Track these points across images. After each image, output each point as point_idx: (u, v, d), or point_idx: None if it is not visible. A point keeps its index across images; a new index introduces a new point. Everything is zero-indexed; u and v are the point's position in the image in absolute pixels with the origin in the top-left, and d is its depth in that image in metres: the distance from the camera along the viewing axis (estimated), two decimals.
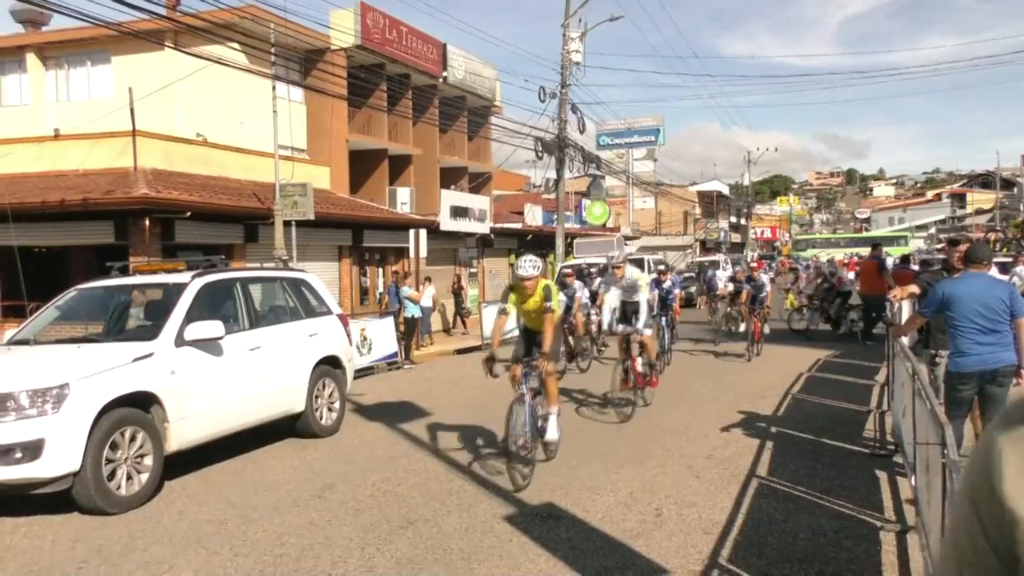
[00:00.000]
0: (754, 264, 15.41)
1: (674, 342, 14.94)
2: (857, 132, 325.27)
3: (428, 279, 20.96)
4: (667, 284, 14.76)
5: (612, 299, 9.86)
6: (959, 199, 74.24)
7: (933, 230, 64.93)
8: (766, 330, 14.83)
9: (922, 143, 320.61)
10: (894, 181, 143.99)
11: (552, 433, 7.07)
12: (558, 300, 7.25)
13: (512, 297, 7.21)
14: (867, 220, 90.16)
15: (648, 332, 9.71)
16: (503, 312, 7.20)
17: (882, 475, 6.55)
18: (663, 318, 13.45)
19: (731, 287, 18.66)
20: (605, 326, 10.28)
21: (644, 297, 9.73)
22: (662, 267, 15.63)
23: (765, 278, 14.96)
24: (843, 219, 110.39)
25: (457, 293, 24.05)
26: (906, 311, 12.36)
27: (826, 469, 6.77)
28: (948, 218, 68.79)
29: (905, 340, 7.16)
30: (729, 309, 18.06)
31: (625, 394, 9.53)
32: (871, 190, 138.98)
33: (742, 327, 16.41)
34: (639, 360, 9.62)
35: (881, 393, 10.03)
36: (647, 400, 9.72)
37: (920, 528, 4.69)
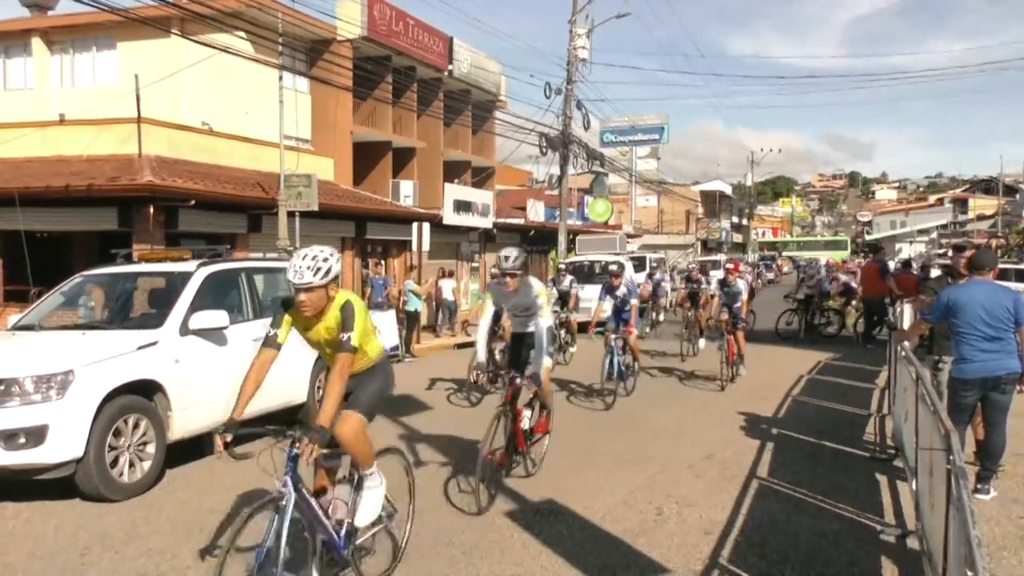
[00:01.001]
0: (729, 266, 12.22)
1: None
2: (861, 134, 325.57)
3: (450, 272, 21.08)
4: (657, 277, 14.17)
5: (486, 323, 6.61)
6: (961, 204, 74.19)
7: (935, 235, 64.91)
8: (743, 348, 11.92)
9: (926, 147, 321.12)
10: (897, 185, 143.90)
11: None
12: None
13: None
14: (869, 223, 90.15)
15: (545, 367, 6.33)
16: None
17: (882, 479, 6.57)
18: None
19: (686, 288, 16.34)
20: (481, 357, 6.63)
21: (545, 324, 6.39)
22: (614, 267, 12.22)
23: (742, 284, 11.88)
24: (845, 222, 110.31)
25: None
26: (908, 315, 12.37)
27: (827, 471, 6.79)
28: (950, 223, 68.73)
29: (908, 344, 7.17)
30: (689, 314, 15.44)
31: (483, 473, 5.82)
32: (873, 193, 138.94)
33: (701, 343, 14.86)
34: (525, 416, 6.46)
35: (882, 397, 10.05)
36: (536, 463, 6.70)
37: (920, 532, 4.71)
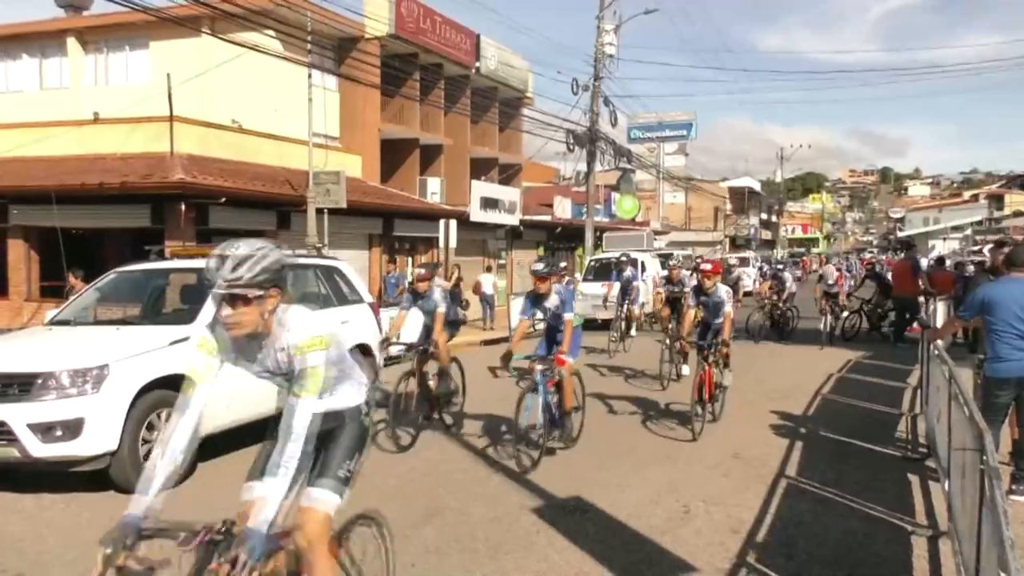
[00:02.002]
0: (706, 266, 8.94)
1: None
2: (893, 130, 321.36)
3: (489, 267, 21.12)
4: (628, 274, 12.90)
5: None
6: (997, 200, 72.75)
7: (969, 231, 63.77)
8: (726, 380, 8.71)
9: (960, 142, 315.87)
10: (930, 181, 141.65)
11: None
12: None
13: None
14: (901, 220, 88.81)
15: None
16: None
17: (914, 479, 6.48)
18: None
19: (673, 293, 13.31)
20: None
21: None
22: (539, 266, 7.57)
23: (724, 292, 8.60)
24: (876, 218, 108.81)
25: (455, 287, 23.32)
26: (941, 313, 12.20)
27: (856, 471, 6.71)
28: (985, 219, 67.45)
29: (941, 343, 7.06)
30: (670, 326, 12.30)
31: None
32: (906, 189, 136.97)
33: (684, 370, 11.48)
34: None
35: (913, 396, 9.91)
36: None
37: (953, 533, 4.65)
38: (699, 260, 12.05)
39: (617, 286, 16.17)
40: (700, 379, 8.15)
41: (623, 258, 16.16)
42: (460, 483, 6.44)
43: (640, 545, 5.06)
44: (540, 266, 7.22)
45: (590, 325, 13.83)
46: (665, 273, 15.40)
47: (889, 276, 17.21)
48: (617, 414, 9.34)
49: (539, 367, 6.99)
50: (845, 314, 16.62)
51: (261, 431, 6.18)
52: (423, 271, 8.41)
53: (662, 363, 11.37)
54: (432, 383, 8.32)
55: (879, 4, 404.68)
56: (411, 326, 8.60)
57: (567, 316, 7.15)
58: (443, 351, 8.26)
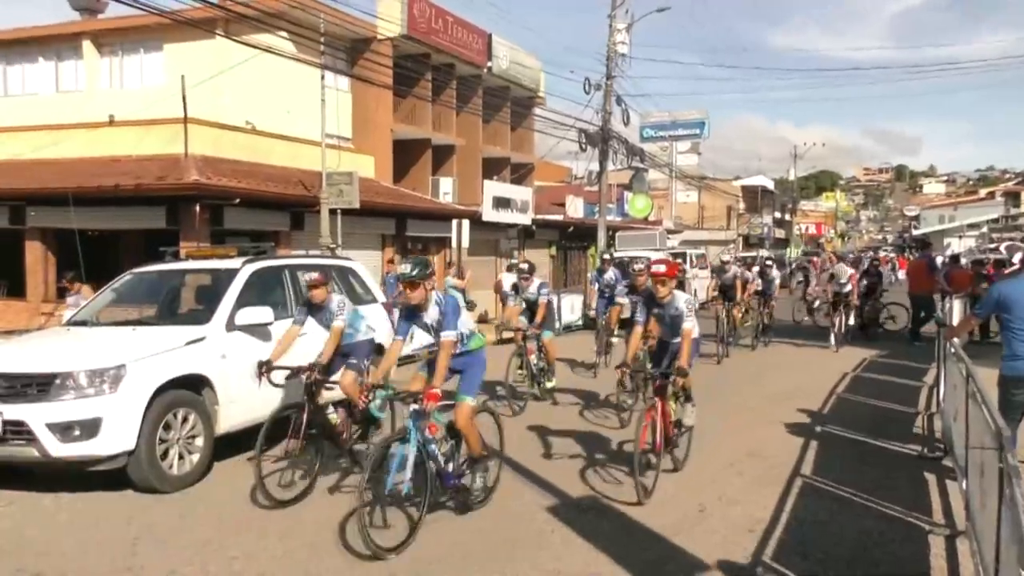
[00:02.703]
0: (658, 268, 6.61)
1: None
2: (908, 128, 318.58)
3: (511, 266, 21.06)
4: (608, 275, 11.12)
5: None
6: (1014, 198, 72.14)
7: (985, 229, 63.21)
8: (688, 417, 6.69)
9: (976, 139, 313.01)
10: (945, 178, 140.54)
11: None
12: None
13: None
14: (916, 218, 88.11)
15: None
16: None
17: (931, 477, 6.44)
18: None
19: (626, 304, 11.28)
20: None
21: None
22: (406, 268, 5.68)
23: (683, 302, 6.51)
24: (891, 216, 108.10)
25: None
26: (957, 311, 12.11)
27: (872, 470, 6.68)
28: (1001, 217, 66.85)
29: (957, 341, 7.01)
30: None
31: None
32: (921, 187, 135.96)
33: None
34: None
35: (930, 394, 9.84)
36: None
37: (970, 533, 4.61)
38: (647, 261, 9.00)
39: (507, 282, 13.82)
40: (651, 419, 6.10)
41: (605, 256, 13.70)
42: (566, 429, 6.46)
43: (655, 544, 5.06)
44: (406, 267, 5.41)
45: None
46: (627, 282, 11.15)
47: (884, 273, 16.94)
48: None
49: (412, 406, 5.16)
50: (852, 320, 16.08)
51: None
52: (315, 275, 6.63)
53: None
54: (335, 416, 6.55)
55: (893, 1, 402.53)
56: (309, 345, 6.81)
57: (445, 336, 5.37)
58: (348, 385, 6.43)
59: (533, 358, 9.82)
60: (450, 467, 5.50)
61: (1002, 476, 3.30)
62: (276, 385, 6.39)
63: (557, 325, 9.37)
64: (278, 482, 6.11)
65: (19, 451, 5.99)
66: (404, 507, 5.27)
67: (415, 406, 5.14)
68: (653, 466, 6.17)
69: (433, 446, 5.32)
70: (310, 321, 6.72)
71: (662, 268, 6.55)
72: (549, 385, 9.99)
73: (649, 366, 7.65)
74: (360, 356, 6.72)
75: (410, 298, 5.45)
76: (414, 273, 5.34)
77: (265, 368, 6.29)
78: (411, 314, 5.60)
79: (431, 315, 5.52)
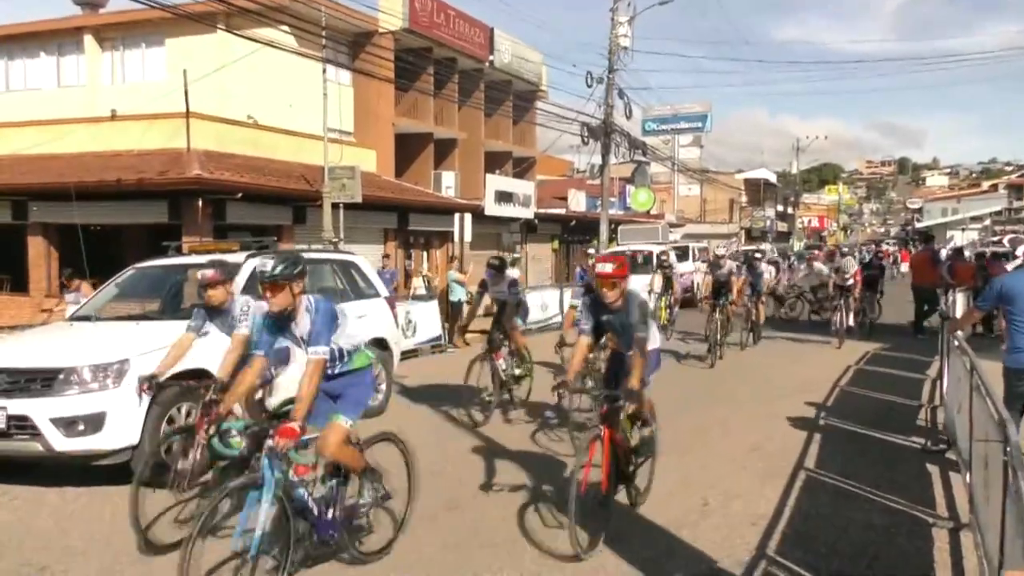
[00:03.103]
0: (603, 268, 5.28)
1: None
2: (911, 120, 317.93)
3: (515, 260, 21.10)
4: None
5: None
6: (1017, 190, 71.91)
7: (988, 222, 63.06)
8: (647, 446, 5.64)
9: (979, 132, 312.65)
10: (948, 171, 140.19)
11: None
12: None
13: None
14: (919, 210, 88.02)
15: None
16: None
17: (934, 470, 6.44)
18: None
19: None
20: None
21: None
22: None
23: (635, 305, 5.27)
24: (894, 209, 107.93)
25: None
26: (961, 304, 12.10)
27: (876, 463, 6.68)
28: (1005, 209, 66.69)
29: (961, 334, 7.00)
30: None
31: None
32: (924, 180, 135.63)
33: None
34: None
35: (933, 387, 9.83)
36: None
37: (975, 525, 4.61)
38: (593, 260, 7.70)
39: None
40: (594, 453, 4.91)
41: (590, 250, 13.50)
42: (479, 476, 6.45)
43: (659, 539, 5.06)
44: (267, 264, 4.32)
45: None
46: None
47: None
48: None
49: (268, 443, 4.07)
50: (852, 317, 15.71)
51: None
52: (210, 273, 5.63)
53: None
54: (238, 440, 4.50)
55: None
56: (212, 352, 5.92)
57: (312, 353, 4.30)
58: (234, 398, 4.67)
59: (502, 363, 8.68)
60: (329, 514, 4.40)
61: (1007, 469, 3.29)
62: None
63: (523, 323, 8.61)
64: (176, 517, 5.11)
65: (23, 446, 6.01)
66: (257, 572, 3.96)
67: (269, 442, 4.03)
68: (602, 508, 4.97)
69: (302, 491, 4.25)
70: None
71: (608, 268, 5.25)
72: (521, 391, 8.80)
73: (590, 383, 6.60)
74: (279, 364, 5.52)
75: (272, 303, 4.34)
76: (276, 272, 4.28)
77: (148, 383, 5.38)
78: (278, 324, 4.45)
79: (302, 326, 4.40)
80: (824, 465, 6.63)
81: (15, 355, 6.44)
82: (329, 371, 4.48)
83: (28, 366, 6.18)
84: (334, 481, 4.51)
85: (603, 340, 6.34)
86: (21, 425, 5.95)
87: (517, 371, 8.86)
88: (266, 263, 4.33)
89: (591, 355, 6.92)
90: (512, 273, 9.49)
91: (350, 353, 4.65)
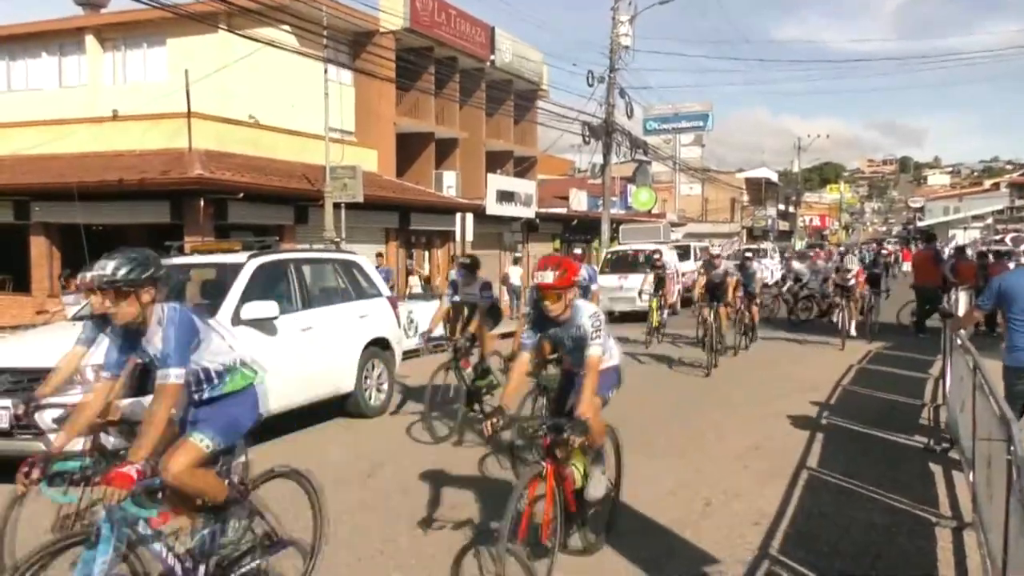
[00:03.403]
0: (545, 275, 4.25)
1: None
2: (912, 119, 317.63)
3: (517, 260, 21.16)
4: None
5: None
6: (1019, 189, 71.77)
7: (990, 220, 62.98)
8: (595, 489, 4.61)
9: (980, 130, 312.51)
10: (950, 170, 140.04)
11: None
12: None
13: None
14: (921, 209, 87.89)
15: None
16: None
17: (937, 469, 6.43)
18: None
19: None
20: None
21: None
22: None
23: (585, 317, 4.36)
24: (896, 208, 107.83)
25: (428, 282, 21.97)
26: (963, 303, 12.08)
27: (878, 462, 6.67)
28: (1006, 208, 66.60)
29: (963, 332, 6.99)
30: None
31: None
32: (925, 179, 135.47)
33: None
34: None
35: (935, 386, 9.82)
36: None
37: (978, 524, 4.61)
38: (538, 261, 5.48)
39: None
40: (534, 493, 4.19)
41: (578, 250, 12.74)
42: (481, 475, 6.44)
43: (661, 538, 5.05)
44: (106, 266, 3.44)
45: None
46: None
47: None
48: (627, 407, 9.32)
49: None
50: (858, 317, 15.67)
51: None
52: (87, 277, 3.73)
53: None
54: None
55: None
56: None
57: (161, 377, 3.41)
58: (72, 431, 3.71)
59: (470, 371, 7.99)
60: (201, 571, 3.57)
61: (1010, 467, 3.29)
62: (51, 430, 4.50)
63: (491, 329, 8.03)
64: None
65: (27, 445, 6.00)
66: None
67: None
68: (545, 554, 4.21)
69: (159, 546, 3.41)
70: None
71: (549, 278, 4.26)
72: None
73: (542, 401, 5.88)
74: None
75: (115, 315, 3.46)
76: (118, 276, 3.38)
77: (26, 408, 4.59)
78: (128, 340, 3.59)
79: (154, 343, 3.49)
80: (826, 464, 6.63)
81: (18, 355, 6.45)
82: (196, 396, 3.69)
83: (31, 365, 6.18)
84: (206, 531, 3.61)
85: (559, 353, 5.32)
86: (24, 424, 5.94)
87: (481, 382, 8.05)
88: (105, 264, 3.41)
89: (544, 372, 6.33)
90: (485, 275, 8.48)
91: (220, 374, 3.73)
